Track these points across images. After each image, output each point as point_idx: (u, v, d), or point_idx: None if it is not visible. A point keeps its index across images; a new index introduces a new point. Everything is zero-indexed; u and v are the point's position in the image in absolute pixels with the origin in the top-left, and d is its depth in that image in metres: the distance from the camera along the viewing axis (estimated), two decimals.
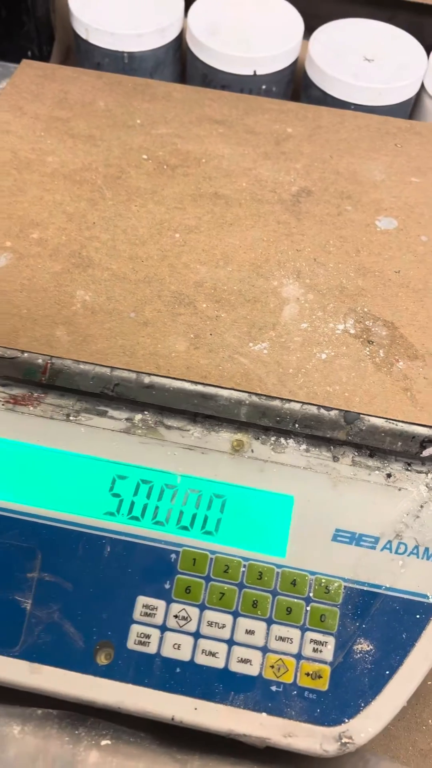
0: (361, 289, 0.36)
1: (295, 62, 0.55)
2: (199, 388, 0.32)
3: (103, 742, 0.30)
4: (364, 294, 0.35)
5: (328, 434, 0.32)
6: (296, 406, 0.32)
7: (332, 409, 0.32)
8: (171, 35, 0.54)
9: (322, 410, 0.32)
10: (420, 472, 0.33)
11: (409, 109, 0.56)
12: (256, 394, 0.32)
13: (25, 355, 0.32)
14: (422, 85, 0.54)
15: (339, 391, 0.32)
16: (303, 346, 0.33)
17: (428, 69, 0.54)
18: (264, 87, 0.54)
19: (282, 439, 0.34)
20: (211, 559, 0.32)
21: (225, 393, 0.32)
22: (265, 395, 0.32)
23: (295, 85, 0.57)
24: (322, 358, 0.33)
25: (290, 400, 0.32)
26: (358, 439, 0.32)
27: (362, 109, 0.52)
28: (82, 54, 0.55)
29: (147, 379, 0.32)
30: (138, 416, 0.34)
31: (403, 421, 0.31)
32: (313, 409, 0.32)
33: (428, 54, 0.54)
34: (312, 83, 0.54)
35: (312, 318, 0.34)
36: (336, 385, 0.32)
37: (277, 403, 0.32)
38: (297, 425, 0.32)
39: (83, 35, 0.53)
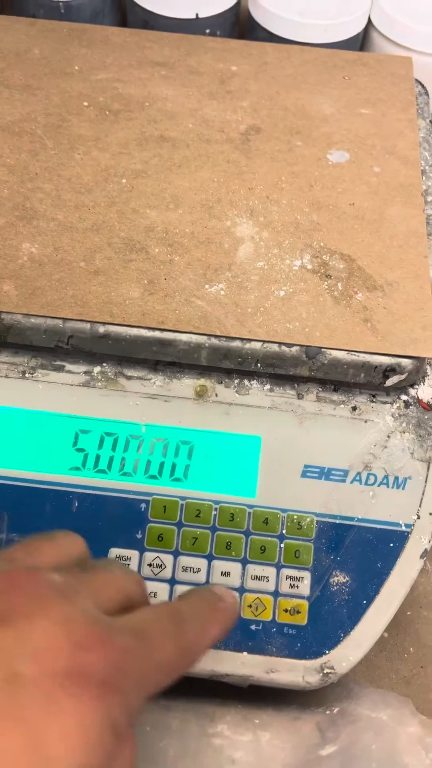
0: (316, 223, 0.35)
1: (239, 3, 0.53)
2: (157, 334, 0.31)
3: None
4: (320, 228, 0.35)
5: (291, 371, 0.32)
6: (257, 345, 0.31)
7: (293, 345, 0.31)
8: None
9: (284, 347, 0.31)
10: (385, 402, 0.33)
11: (358, 46, 0.54)
12: (216, 336, 0.31)
13: None
14: (369, 20, 0.53)
15: (299, 327, 0.31)
16: (260, 284, 0.32)
17: (374, 3, 0.52)
18: (208, 31, 0.52)
19: (245, 381, 0.33)
20: (182, 505, 0.31)
21: (184, 337, 0.31)
22: (224, 336, 0.31)
23: (240, 27, 0.56)
24: (281, 295, 0.32)
25: (250, 340, 0.31)
26: (321, 374, 0.32)
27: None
28: (15, 6, 0.53)
29: (102, 329, 0.31)
30: (97, 368, 0.33)
31: (364, 352, 0.31)
32: (274, 347, 0.31)
33: None
34: (257, 24, 0.52)
35: (268, 256, 0.33)
36: (296, 322, 0.31)
37: (237, 343, 0.31)
38: (259, 365, 0.32)
39: None
